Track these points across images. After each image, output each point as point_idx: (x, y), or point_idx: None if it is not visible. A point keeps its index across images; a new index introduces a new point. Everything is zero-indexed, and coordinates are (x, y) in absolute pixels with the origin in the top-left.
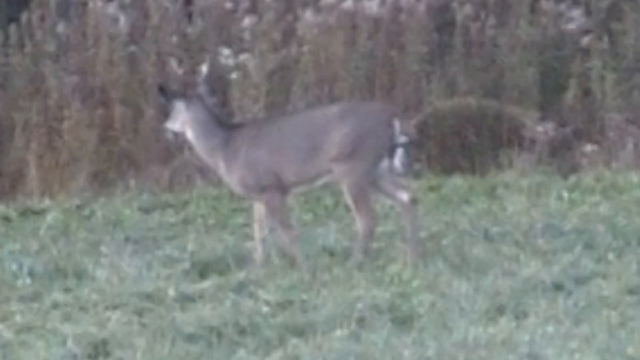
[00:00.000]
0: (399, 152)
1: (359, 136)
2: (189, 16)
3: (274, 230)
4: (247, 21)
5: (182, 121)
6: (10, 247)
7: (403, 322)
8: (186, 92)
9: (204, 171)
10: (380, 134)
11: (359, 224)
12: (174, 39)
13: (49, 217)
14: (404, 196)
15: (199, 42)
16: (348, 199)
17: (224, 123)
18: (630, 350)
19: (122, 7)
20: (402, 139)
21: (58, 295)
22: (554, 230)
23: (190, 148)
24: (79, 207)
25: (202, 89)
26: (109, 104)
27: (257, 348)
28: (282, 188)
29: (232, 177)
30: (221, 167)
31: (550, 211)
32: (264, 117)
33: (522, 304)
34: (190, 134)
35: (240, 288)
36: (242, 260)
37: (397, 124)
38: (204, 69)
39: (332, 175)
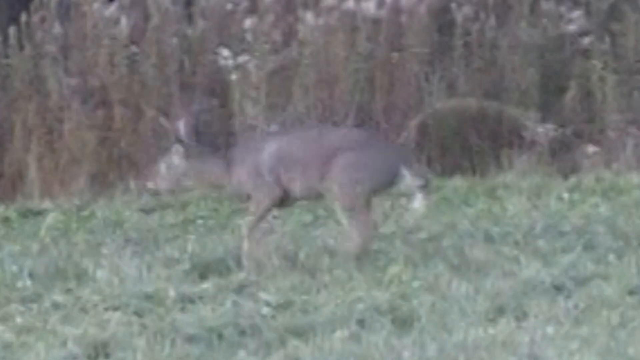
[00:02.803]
0: (418, 196)
1: (361, 168)
2: (190, 17)
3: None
4: (247, 22)
5: (176, 177)
6: (10, 248)
7: (403, 323)
8: (176, 151)
9: None
10: (382, 174)
11: (353, 233)
12: (174, 40)
13: (49, 218)
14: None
15: (199, 43)
16: (345, 213)
17: (220, 153)
18: (630, 351)
19: (123, 8)
20: (418, 182)
21: (58, 297)
22: (554, 231)
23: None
24: (79, 208)
25: (188, 138)
26: (109, 105)
27: (258, 349)
28: (287, 198)
29: (235, 181)
30: (227, 182)
31: (551, 212)
32: (270, 132)
33: (522, 305)
34: (193, 181)
35: (240, 289)
36: (243, 261)
37: (404, 172)
38: (182, 126)
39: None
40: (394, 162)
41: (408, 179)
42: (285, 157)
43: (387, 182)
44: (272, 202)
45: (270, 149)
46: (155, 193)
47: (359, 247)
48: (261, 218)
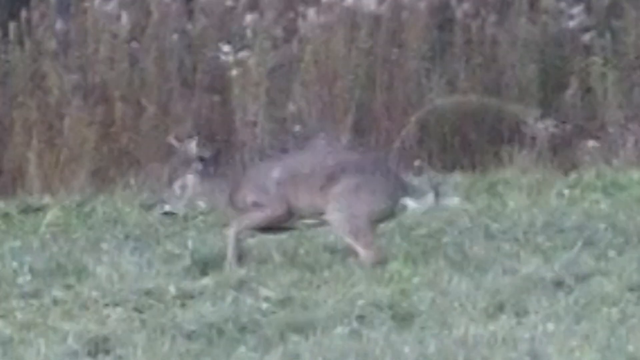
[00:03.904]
0: (446, 200)
1: (360, 191)
2: (190, 13)
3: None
4: (248, 18)
5: (190, 197)
6: (10, 244)
7: (403, 319)
8: (193, 169)
9: None
10: (383, 201)
11: (358, 249)
12: (175, 36)
13: (49, 215)
14: None
15: (199, 39)
16: (343, 237)
17: (230, 172)
18: (630, 348)
19: (123, 4)
20: (429, 200)
21: (58, 293)
22: (555, 228)
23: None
24: (79, 204)
25: (202, 160)
26: (109, 102)
27: (258, 345)
28: (292, 216)
29: (242, 195)
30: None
31: (551, 208)
32: (279, 150)
33: (522, 301)
34: (206, 202)
35: (240, 285)
36: (243, 257)
37: (408, 203)
38: (194, 146)
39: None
40: (394, 192)
41: (416, 205)
42: (292, 173)
43: (387, 209)
44: (275, 218)
45: (279, 165)
46: (171, 213)
47: (371, 258)
48: (253, 227)
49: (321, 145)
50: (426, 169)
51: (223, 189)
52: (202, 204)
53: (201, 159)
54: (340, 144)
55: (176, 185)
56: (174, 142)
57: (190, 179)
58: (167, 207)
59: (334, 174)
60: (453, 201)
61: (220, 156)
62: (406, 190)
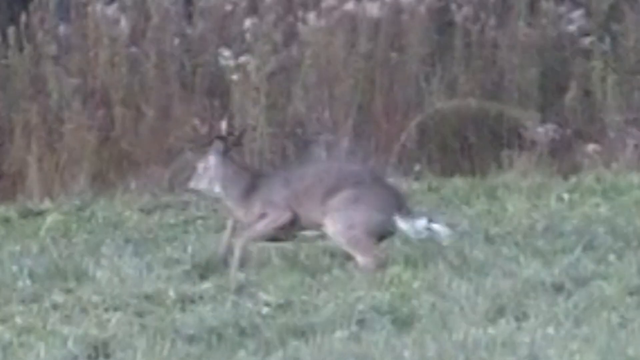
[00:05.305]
0: (435, 230)
1: (358, 203)
2: (190, 17)
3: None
4: (247, 22)
5: (210, 178)
6: (10, 248)
7: (403, 323)
8: (214, 149)
9: None
10: (379, 214)
11: (358, 261)
12: (175, 40)
13: (49, 219)
14: None
15: (199, 43)
16: (343, 248)
17: (249, 169)
18: (630, 351)
19: (123, 8)
20: (421, 224)
21: (58, 297)
22: (554, 231)
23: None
24: (79, 208)
25: (227, 143)
26: (109, 105)
27: (258, 349)
28: (294, 226)
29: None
30: (251, 208)
31: (551, 212)
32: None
33: (522, 305)
34: (219, 188)
35: (240, 289)
36: (242, 261)
37: (400, 224)
38: (224, 125)
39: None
40: (391, 205)
41: (406, 227)
42: (296, 183)
43: (385, 221)
44: (282, 224)
45: (286, 176)
46: (195, 192)
47: (370, 265)
48: (263, 236)
49: (322, 157)
50: (425, 173)
51: (237, 183)
52: (207, 195)
53: (221, 138)
54: (341, 154)
55: (200, 166)
56: (196, 122)
57: (212, 159)
58: (191, 184)
59: (333, 186)
60: (444, 232)
61: (243, 138)
62: (402, 206)
